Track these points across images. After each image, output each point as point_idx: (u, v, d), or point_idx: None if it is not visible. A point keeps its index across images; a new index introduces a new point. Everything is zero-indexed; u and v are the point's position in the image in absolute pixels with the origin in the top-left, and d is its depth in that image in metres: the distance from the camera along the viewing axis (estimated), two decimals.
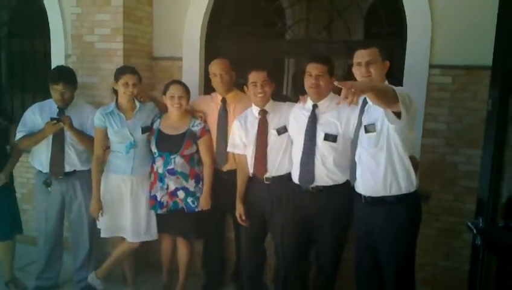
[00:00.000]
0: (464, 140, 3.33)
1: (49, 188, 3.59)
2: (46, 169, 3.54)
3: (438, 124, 3.35)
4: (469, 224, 2.01)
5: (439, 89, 3.33)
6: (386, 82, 2.72)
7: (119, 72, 3.39)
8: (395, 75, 3.39)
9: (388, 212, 2.65)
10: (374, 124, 2.64)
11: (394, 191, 2.64)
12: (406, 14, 3.38)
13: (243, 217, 3.23)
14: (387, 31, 3.64)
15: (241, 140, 3.24)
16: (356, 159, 2.78)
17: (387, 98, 2.32)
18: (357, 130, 2.78)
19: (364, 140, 2.71)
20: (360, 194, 2.78)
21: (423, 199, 3.26)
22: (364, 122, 2.72)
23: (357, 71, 2.71)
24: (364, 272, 2.88)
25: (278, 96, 3.33)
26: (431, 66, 3.32)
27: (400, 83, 3.35)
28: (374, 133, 2.64)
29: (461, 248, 3.38)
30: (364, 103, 2.76)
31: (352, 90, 2.06)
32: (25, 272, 3.96)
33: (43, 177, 3.59)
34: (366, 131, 2.68)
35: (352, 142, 2.84)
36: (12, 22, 4.90)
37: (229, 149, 3.31)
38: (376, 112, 2.63)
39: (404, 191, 2.64)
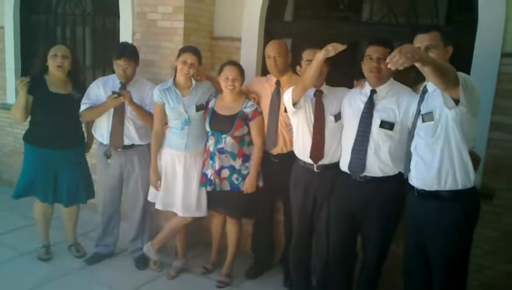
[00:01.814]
0: None
1: (108, 160, 3.75)
2: (106, 141, 3.70)
3: (506, 117, 3.06)
4: None
5: (510, 79, 3.04)
6: None
7: (181, 50, 3.46)
8: (463, 63, 3.16)
9: (441, 208, 2.50)
10: (431, 113, 2.48)
11: (449, 186, 2.48)
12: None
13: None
14: (456, 17, 3.39)
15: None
16: (412, 149, 2.63)
17: (446, 77, 2.16)
18: (415, 119, 2.63)
19: (421, 129, 2.56)
20: (413, 187, 2.64)
21: (486, 197, 3.06)
22: (423, 110, 2.56)
23: None
24: (413, 269, 2.73)
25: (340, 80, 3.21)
26: (503, 55, 3.03)
27: (467, 72, 3.10)
28: (432, 123, 2.48)
29: None
30: (424, 91, 2.61)
31: (404, 51, 1.94)
32: (87, 238, 4.20)
33: (103, 149, 3.75)
34: (424, 120, 2.53)
35: (409, 132, 2.70)
36: (86, 0, 5.12)
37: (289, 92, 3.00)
38: (435, 101, 2.48)
39: (460, 186, 2.47)
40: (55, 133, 3.62)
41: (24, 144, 3.75)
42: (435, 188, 2.52)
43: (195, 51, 3.44)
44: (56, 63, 3.57)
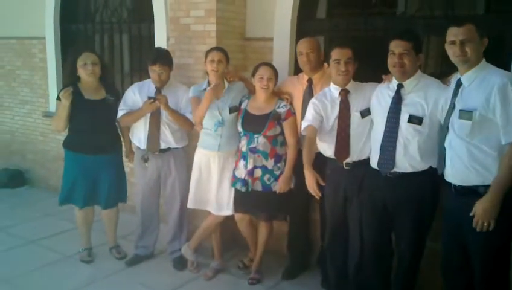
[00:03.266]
0: None
1: (146, 164, 3.82)
2: (143, 145, 3.77)
3: None
4: None
5: None
6: (484, 60, 2.47)
7: (207, 52, 3.52)
8: (504, 53, 3.04)
9: None
10: (471, 112, 2.40)
11: (487, 181, 2.39)
12: None
13: (315, 187, 2.90)
14: (495, 6, 3.26)
15: (316, 112, 3.03)
16: (446, 145, 2.55)
17: None
18: (448, 114, 2.55)
19: (456, 125, 2.48)
20: (449, 183, 2.56)
21: None
22: (459, 106, 2.48)
23: (450, 50, 2.49)
24: (453, 266, 2.67)
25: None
26: None
27: (508, 62, 2.99)
28: (470, 122, 2.40)
29: None
30: (459, 84, 2.52)
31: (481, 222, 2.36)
32: (127, 241, 4.29)
33: (141, 153, 3.83)
34: (461, 117, 2.45)
35: (442, 126, 2.62)
36: (122, 8, 5.24)
37: (303, 124, 3.07)
38: (475, 99, 2.41)
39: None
40: (93, 139, 3.72)
41: (64, 151, 3.87)
42: (472, 183, 2.44)
43: (219, 49, 3.51)
44: (87, 72, 3.66)
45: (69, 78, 3.77)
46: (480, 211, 2.35)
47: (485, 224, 2.35)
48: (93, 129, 3.71)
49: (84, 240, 4.05)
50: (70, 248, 4.15)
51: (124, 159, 4.06)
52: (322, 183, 2.87)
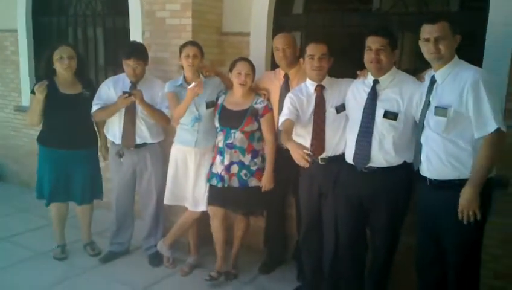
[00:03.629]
0: None
1: (121, 159, 3.78)
2: (118, 141, 3.72)
3: None
4: None
5: None
6: (456, 57, 2.51)
7: (181, 46, 3.48)
8: (475, 49, 3.10)
9: (455, 197, 2.45)
10: (446, 109, 2.45)
11: (463, 175, 2.45)
12: None
13: (303, 154, 2.65)
14: (467, 3, 3.32)
15: (292, 106, 3.00)
16: (422, 140, 2.60)
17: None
18: (424, 111, 2.59)
19: (432, 122, 2.53)
20: (424, 178, 2.61)
21: (501, 186, 3.00)
22: (434, 103, 2.53)
23: (424, 47, 2.52)
24: (426, 260, 2.72)
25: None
26: None
27: (480, 58, 3.05)
28: (445, 119, 2.45)
29: None
30: (433, 81, 2.56)
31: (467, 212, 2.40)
32: (102, 237, 4.23)
33: (116, 149, 3.78)
34: (436, 114, 2.50)
35: (417, 122, 2.67)
36: (96, 1, 5.15)
37: (280, 119, 3.02)
38: (449, 95, 2.46)
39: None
40: (68, 134, 3.66)
41: (38, 146, 3.80)
42: (448, 177, 2.49)
43: (193, 43, 3.49)
44: (64, 65, 3.59)
45: (45, 72, 3.69)
46: (464, 201, 2.39)
47: (471, 213, 2.38)
48: (68, 124, 3.65)
49: (58, 236, 3.98)
50: (43, 244, 4.08)
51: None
52: (308, 152, 2.71)
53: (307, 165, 2.66)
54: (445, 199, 2.50)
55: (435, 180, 2.56)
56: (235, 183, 3.40)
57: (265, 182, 3.38)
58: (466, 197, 2.40)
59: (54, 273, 3.67)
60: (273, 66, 3.80)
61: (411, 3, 3.58)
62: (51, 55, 3.61)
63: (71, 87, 3.69)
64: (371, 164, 2.79)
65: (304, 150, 2.65)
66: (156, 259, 3.86)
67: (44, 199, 3.82)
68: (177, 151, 3.61)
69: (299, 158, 2.64)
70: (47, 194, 3.77)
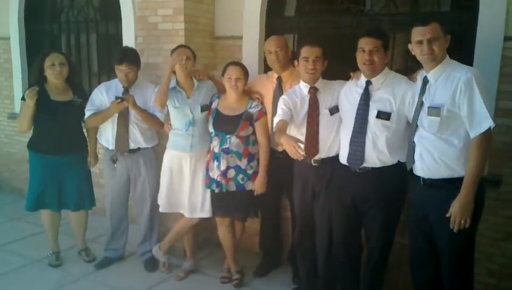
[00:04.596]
0: None
1: (115, 164, 3.76)
2: (112, 146, 3.71)
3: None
4: None
5: None
6: (447, 57, 2.53)
7: (172, 50, 3.48)
8: (466, 49, 3.12)
9: (448, 196, 2.46)
10: (439, 109, 2.46)
11: (456, 174, 2.46)
12: None
13: (296, 146, 2.65)
14: (457, 2, 3.35)
15: (286, 107, 3.00)
16: (415, 140, 2.61)
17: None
18: (417, 110, 2.60)
19: (425, 122, 2.54)
20: (418, 177, 2.62)
21: (493, 184, 3.03)
22: (427, 103, 2.54)
23: (417, 49, 2.52)
24: (421, 260, 2.72)
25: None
26: (506, 39, 2.98)
27: (470, 57, 3.07)
28: (438, 118, 2.46)
29: None
30: (425, 81, 2.58)
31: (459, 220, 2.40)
32: (97, 243, 4.22)
33: (109, 154, 3.76)
34: (429, 114, 2.51)
35: (411, 122, 2.68)
36: (88, 7, 5.14)
37: (274, 120, 3.01)
38: (442, 95, 2.47)
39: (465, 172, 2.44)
40: (58, 140, 3.64)
41: (29, 152, 3.78)
42: (442, 176, 2.50)
43: (185, 46, 3.49)
44: (55, 72, 3.58)
45: (36, 79, 3.67)
46: (457, 208, 2.40)
47: (462, 222, 2.40)
48: (58, 131, 3.63)
49: (52, 243, 3.95)
50: (37, 252, 4.05)
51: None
52: (302, 144, 2.72)
53: (300, 158, 2.66)
54: (439, 198, 2.51)
55: (428, 179, 2.56)
56: (233, 187, 3.39)
57: (258, 187, 3.38)
58: (460, 204, 2.40)
59: (49, 280, 3.64)
60: (266, 69, 3.81)
61: (402, 4, 3.60)
62: (42, 62, 3.60)
63: (62, 94, 3.67)
64: (365, 164, 2.80)
65: (298, 142, 2.65)
66: (151, 264, 3.84)
67: (38, 209, 3.79)
68: (171, 158, 3.57)
69: (293, 151, 2.64)
70: (35, 198, 3.73)
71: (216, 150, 3.39)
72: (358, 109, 2.81)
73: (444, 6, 3.50)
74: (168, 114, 3.59)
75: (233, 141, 3.34)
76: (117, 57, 3.62)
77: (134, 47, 3.96)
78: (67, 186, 3.76)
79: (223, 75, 3.40)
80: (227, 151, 3.35)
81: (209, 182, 3.46)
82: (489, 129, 2.35)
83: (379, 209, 2.81)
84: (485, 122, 2.35)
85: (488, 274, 3.21)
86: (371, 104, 2.78)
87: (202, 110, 3.48)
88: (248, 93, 3.47)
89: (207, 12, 4.09)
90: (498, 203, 3.06)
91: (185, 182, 3.55)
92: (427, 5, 3.52)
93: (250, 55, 3.97)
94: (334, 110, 2.99)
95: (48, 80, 3.64)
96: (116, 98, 3.56)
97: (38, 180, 3.72)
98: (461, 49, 3.12)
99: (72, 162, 3.74)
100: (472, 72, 2.41)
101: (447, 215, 2.43)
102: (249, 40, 4.00)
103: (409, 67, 3.27)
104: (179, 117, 3.47)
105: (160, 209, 3.65)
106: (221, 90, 3.54)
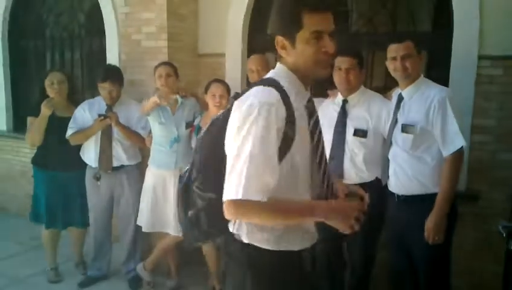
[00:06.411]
0: None
1: (98, 182, 3.75)
2: (95, 164, 3.71)
3: (487, 120, 3.11)
4: (500, 228, 1.86)
5: (489, 81, 3.08)
6: (422, 76, 2.60)
7: (155, 68, 3.52)
8: (441, 67, 3.20)
9: (422, 211, 2.51)
10: (413, 126, 2.52)
11: (430, 190, 2.52)
12: (453, 2, 3.15)
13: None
14: (432, 21, 3.43)
15: None
16: (390, 157, 2.66)
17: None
18: (391, 128, 2.66)
19: (399, 139, 2.60)
20: (392, 193, 2.67)
21: (471, 199, 3.09)
22: (401, 120, 2.60)
23: (391, 65, 2.60)
24: (399, 274, 2.76)
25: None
26: (480, 57, 3.08)
27: (446, 75, 3.15)
28: (412, 136, 2.52)
29: None
30: (400, 98, 2.64)
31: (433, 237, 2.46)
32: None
33: (93, 172, 3.75)
34: (403, 131, 2.57)
35: (385, 139, 2.73)
36: (73, 23, 5.16)
37: None
38: (416, 113, 2.53)
39: (439, 189, 2.49)
40: (63, 155, 3.69)
41: (33, 168, 3.82)
42: (415, 193, 2.56)
43: (166, 63, 3.54)
44: (54, 90, 3.66)
45: (41, 99, 3.70)
46: (431, 225, 2.45)
47: (436, 238, 2.45)
48: (62, 146, 3.66)
49: (50, 259, 3.95)
50: (20, 271, 4.01)
51: None
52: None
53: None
54: (413, 213, 2.56)
55: (402, 195, 2.62)
56: None
57: None
58: (434, 221, 2.46)
59: None
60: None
61: (381, 23, 3.68)
62: (44, 82, 3.69)
63: (66, 110, 3.74)
64: (344, 181, 2.83)
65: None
66: (135, 283, 3.80)
67: (39, 222, 3.81)
68: (154, 177, 3.55)
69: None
70: (45, 218, 3.76)
71: None
72: (335, 127, 2.87)
73: (422, 25, 3.57)
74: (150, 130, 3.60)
75: None
76: (100, 75, 3.65)
77: (118, 64, 3.99)
78: (73, 202, 3.80)
79: (205, 92, 3.43)
80: None
81: None
82: (461, 148, 2.41)
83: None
84: (457, 141, 2.41)
85: (470, 288, 3.25)
86: (348, 121, 2.84)
87: (187, 126, 3.51)
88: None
89: (190, 30, 4.15)
90: (477, 218, 3.12)
91: (169, 201, 3.52)
92: (403, 25, 3.60)
93: (232, 72, 4.02)
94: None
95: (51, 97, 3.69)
96: (99, 115, 3.58)
97: (46, 197, 3.74)
98: (440, 67, 3.20)
99: (76, 178, 3.78)
100: (446, 92, 2.49)
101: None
102: (231, 57, 4.05)
103: (387, 86, 3.34)
104: (164, 134, 3.49)
105: (144, 229, 3.62)
106: (204, 107, 3.57)
